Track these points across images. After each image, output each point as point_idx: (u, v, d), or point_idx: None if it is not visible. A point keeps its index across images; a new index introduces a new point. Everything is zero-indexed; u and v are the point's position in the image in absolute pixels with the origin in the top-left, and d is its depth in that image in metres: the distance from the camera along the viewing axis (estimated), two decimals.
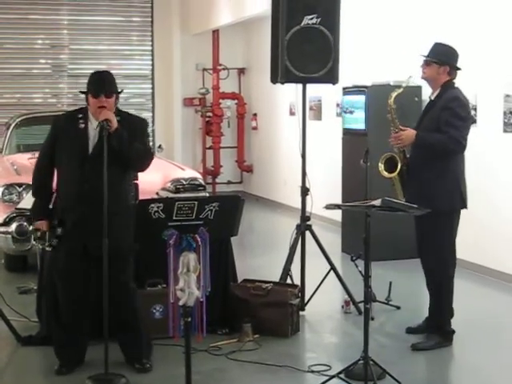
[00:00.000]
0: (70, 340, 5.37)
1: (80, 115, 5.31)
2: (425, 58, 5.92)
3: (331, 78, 6.61)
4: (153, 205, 4.20)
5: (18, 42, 14.25)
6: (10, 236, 7.86)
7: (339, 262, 8.28)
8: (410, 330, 6.10)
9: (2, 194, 8.09)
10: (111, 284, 5.22)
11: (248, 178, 14.99)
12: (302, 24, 6.47)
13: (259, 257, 9.28)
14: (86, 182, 5.06)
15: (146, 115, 14.78)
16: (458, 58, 5.91)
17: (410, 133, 5.77)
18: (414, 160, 5.83)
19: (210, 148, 14.63)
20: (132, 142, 5.11)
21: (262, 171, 14.32)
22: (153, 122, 14.79)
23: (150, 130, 5.43)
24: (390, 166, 5.82)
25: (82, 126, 5.22)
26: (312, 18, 6.46)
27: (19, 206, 7.57)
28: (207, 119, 14.57)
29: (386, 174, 5.83)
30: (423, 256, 5.95)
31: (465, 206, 5.88)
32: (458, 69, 5.91)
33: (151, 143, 5.42)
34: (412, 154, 5.87)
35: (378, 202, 4.75)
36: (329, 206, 4.98)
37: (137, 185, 5.58)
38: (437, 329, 5.90)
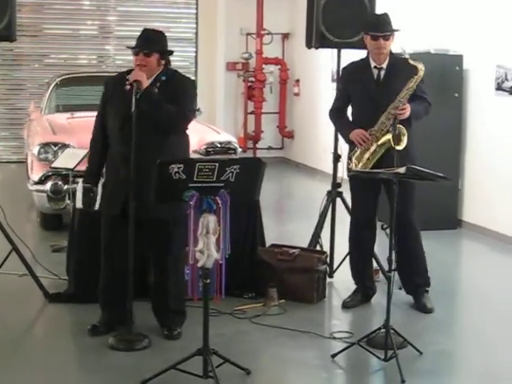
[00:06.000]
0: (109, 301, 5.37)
1: (128, 76, 5.19)
2: (384, 34, 5.69)
3: None
4: (173, 165, 4.16)
5: (65, 2, 14.29)
6: (45, 195, 7.95)
7: None
8: (345, 305, 6.09)
9: (38, 152, 8.15)
10: (152, 249, 5.29)
11: (289, 144, 14.94)
12: None
13: (294, 222, 9.27)
14: (126, 143, 4.98)
15: None
16: None
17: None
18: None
19: (251, 113, 14.59)
20: (163, 104, 5.02)
21: (303, 137, 14.25)
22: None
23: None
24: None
25: (128, 87, 5.07)
26: None
27: (54, 164, 7.66)
28: (249, 84, 14.52)
29: (395, 146, 5.57)
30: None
31: None
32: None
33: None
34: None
35: (402, 170, 4.69)
36: (352, 172, 4.93)
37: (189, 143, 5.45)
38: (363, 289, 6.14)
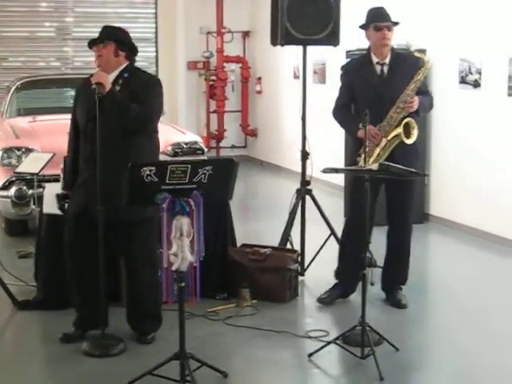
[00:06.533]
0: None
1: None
2: (388, 24, 5.71)
3: (332, 40, 6.48)
4: (145, 168, 4.09)
5: (21, 4, 14.03)
6: (9, 200, 7.82)
7: (341, 227, 8.20)
8: (322, 301, 6.06)
9: (1, 157, 8.02)
10: (122, 251, 5.22)
11: (252, 142, 14.87)
12: None
13: (261, 221, 9.22)
14: (90, 144, 4.94)
15: None
16: None
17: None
18: None
19: (214, 112, 14.49)
20: (128, 102, 4.94)
21: (267, 135, 14.20)
22: None
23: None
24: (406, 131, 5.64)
25: (94, 87, 4.96)
26: None
27: (18, 169, 7.53)
28: (211, 83, 14.42)
29: (405, 140, 5.58)
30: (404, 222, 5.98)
31: None
32: None
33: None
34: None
35: (375, 167, 4.66)
36: (326, 170, 4.90)
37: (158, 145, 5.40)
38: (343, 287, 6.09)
